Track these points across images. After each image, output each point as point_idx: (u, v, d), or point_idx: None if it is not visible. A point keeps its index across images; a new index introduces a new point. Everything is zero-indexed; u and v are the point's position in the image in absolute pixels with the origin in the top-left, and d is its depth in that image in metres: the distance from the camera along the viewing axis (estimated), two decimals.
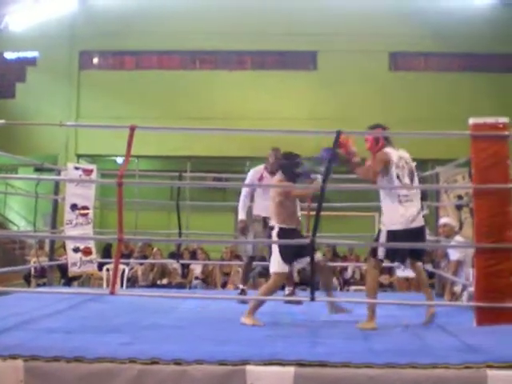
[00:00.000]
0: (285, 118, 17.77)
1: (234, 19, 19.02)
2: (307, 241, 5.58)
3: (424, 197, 6.61)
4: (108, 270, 10.66)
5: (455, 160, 7.19)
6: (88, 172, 8.20)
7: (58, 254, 10.68)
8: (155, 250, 13.82)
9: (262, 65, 20.11)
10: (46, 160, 11.35)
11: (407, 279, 11.23)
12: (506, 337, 5.16)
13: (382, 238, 5.86)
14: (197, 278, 13.21)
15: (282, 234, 6.08)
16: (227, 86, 19.27)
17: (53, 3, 19.79)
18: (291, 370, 4.28)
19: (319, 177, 5.89)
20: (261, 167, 7.79)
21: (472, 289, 5.67)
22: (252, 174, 7.75)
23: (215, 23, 18.98)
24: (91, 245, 8.24)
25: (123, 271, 11.07)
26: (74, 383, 4.30)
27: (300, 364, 4.32)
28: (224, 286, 12.93)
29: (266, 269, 12.78)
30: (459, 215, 7.75)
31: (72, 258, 8.09)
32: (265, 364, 4.33)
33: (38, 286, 12.43)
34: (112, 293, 5.50)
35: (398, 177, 5.83)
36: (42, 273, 12.33)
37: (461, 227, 7.82)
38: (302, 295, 7.51)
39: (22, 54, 20.52)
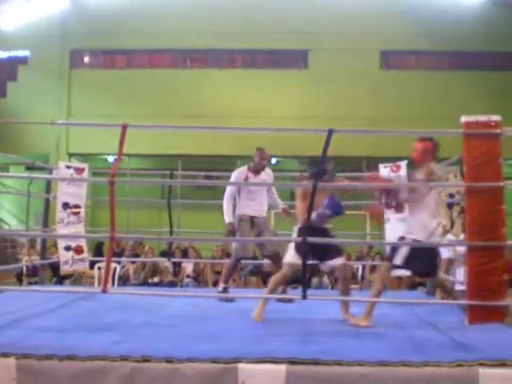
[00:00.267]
0: (276, 117, 17.80)
1: (224, 18, 19.05)
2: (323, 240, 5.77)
3: None
4: (100, 268, 10.61)
5: (447, 159, 7.19)
6: (79, 171, 8.22)
7: (49, 253, 10.68)
8: (147, 248, 13.80)
9: (252, 63, 20.12)
10: (37, 159, 11.30)
11: (399, 278, 11.23)
12: (498, 335, 5.18)
13: (405, 246, 5.69)
14: (188, 276, 13.23)
15: (300, 231, 6.08)
16: (218, 84, 19.28)
17: (44, 2, 19.78)
18: (283, 367, 4.29)
19: None
20: (244, 168, 7.72)
21: (462, 287, 5.65)
22: (237, 175, 7.67)
23: (206, 22, 18.98)
24: (83, 243, 8.26)
25: (115, 269, 11.03)
26: (67, 381, 4.31)
27: (292, 362, 4.32)
28: (215, 284, 12.86)
29: (257, 267, 12.96)
30: (450, 214, 7.74)
31: (64, 256, 8.11)
32: (257, 362, 4.34)
33: (30, 284, 12.40)
34: (104, 291, 5.49)
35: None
36: (33, 271, 12.31)
37: (452, 226, 7.81)
38: (294, 293, 7.51)
39: (13, 53, 20.47)
